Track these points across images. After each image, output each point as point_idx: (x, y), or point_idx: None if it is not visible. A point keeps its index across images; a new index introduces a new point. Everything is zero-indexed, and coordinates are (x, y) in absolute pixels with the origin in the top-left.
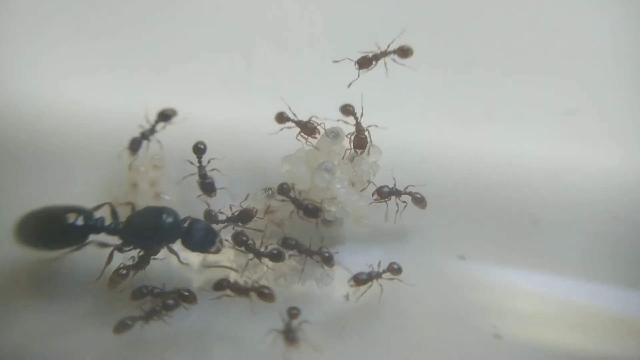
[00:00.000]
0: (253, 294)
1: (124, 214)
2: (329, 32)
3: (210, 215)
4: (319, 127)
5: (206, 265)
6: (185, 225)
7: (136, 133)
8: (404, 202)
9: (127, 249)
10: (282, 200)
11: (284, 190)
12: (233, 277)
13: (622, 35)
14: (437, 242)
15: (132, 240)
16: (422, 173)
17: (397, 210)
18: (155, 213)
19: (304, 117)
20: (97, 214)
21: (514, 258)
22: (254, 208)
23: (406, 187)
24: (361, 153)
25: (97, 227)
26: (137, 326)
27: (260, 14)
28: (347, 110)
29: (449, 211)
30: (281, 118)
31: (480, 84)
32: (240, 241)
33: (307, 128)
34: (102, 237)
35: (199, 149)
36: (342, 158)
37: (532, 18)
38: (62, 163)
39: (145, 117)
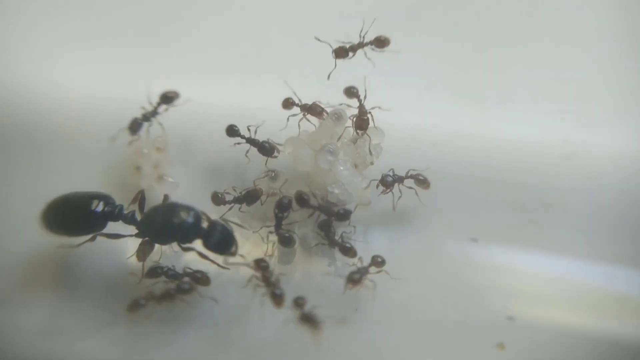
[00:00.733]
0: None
1: (130, 196)
2: (340, 14)
3: (217, 197)
4: (325, 110)
5: (226, 265)
6: (206, 227)
7: (138, 114)
8: (410, 187)
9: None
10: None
11: (304, 201)
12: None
13: (637, 19)
14: (449, 225)
15: (149, 234)
16: (434, 156)
17: (400, 197)
18: (177, 211)
19: (310, 101)
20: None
21: (526, 240)
22: (260, 188)
23: (408, 172)
24: (362, 134)
25: (115, 214)
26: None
27: None
28: (351, 92)
29: (461, 194)
30: (287, 104)
31: (494, 67)
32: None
33: (314, 110)
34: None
35: (233, 131)
36: (338, 139)
37: (547, 1)
38: (66, 146)
39: (147, 99)
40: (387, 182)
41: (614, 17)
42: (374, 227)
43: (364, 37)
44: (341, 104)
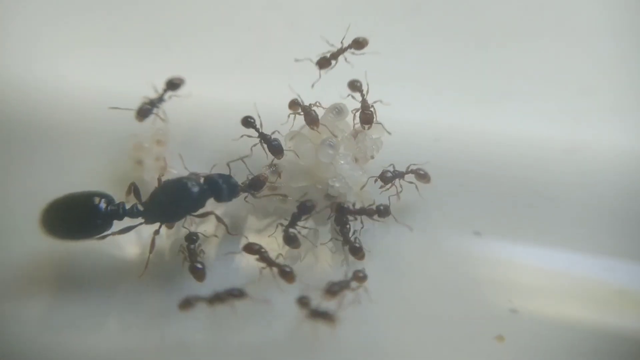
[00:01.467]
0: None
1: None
2: (342, 12)
3: None
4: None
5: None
6: (207, 186)
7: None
8: (410, 182)
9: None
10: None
11: (344, 210)
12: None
13: (637, 16)
14: (453, 219)
15: (160, 217)
16: (437, 151)
17: (401, 191)
18: (176, 185)
19: (314, 96)
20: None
21: (529, 234)
22: (265, 174)
23: (408, 167)
24: (368, 128)
25: (119, 212)
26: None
27: None
28: (354, 86)
29: (464, 188)
30: (293, 105)
31: (496, 62)
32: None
33: (310, 117)
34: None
35: (249, 122)
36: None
37: None
38: (66, 142)
39: (153, 88)
40: (387, 178)
41: (614, 14)
42: (377, 222)
43: (342, 42)
44: (348, 96)
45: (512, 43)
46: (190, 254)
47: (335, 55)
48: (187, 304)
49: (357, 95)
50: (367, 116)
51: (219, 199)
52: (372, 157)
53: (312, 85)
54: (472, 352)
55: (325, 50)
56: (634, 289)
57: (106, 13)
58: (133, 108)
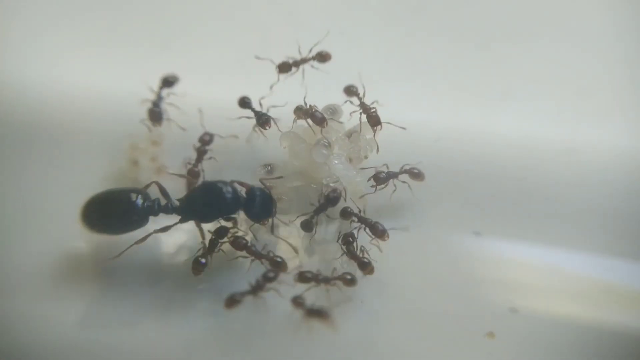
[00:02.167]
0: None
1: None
2: (344, 12)
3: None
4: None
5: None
6: (245, 196)
7: (143, 107)
8: (404, 181)
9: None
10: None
11: (347, 213)
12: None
13: (638, 15)
14: (453, 218)
15: (195, 216)
16: (436, 151)
17: (394, 190)
18: (216, 188)
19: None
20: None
21: (528, 234)
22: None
23: (402, 167)
24: (380, 129)
25: (155, 209)
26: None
27: None
28: (350, 90)
29: (464, 188)
30: (298, 111)
31: (496, 62)
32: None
33: (316, 118)
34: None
35: (245, 103)
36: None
37: None
38: (63, 141)
39: (149, 89)
40: (380, 179)
41: (615, 13)
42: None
43: (310, 51)
44: (345, 102)
45: (512, 43)
46: (210, 247)
47: (297, 63)
48: (233, 301)
49: (354, 99)
50: (374, 118)
51: (248, 214)
52: (366, 157)
53: (270, 87)
54: (472, 351)
55: (322, 50)
56: (635, 288)
57: (106, 13)
58: (133, 110)
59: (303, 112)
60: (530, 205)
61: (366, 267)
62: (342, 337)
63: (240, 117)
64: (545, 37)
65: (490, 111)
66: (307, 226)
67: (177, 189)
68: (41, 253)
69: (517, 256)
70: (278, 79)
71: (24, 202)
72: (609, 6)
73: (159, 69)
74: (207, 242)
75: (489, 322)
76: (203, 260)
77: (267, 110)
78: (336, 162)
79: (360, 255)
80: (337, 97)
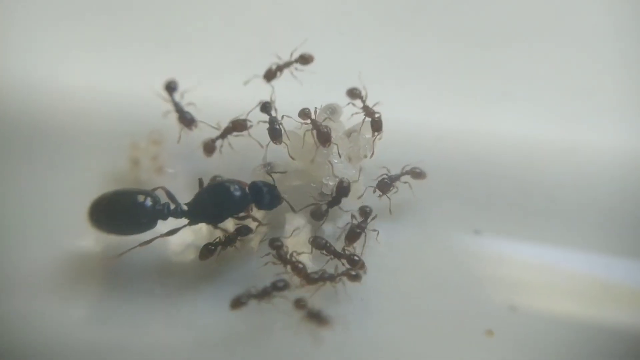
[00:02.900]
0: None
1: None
2: (344, 13)
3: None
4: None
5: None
6: (250, 192)
7: (146, 114)
8: (405, 182)
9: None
10: None
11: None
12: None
13: (638, 15)
14: (454, 217)
15: (204, 218)
16: (436, 151)
17: (396, 191)
18: (222, 188)
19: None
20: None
21: (528, 232)
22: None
23: (403, 168)
24: (380, 138)
25: (164, 212)
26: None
27: None
28: (353, 93)
29: (465, 188)
30: (303, 114)
31: (496, 62)
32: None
33: (322, 135)
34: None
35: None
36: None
37: None
38: (63, 141)
39: (160, 96)
40: (386, 185)
41: (614, 13)
42: (378, 220)
43: (291, 54)
44: (348, 104)
45: (512, 43)
46: (225, 241)
47: (280, 68)
48: (238, 303)
49: (358, 102)
50: (377, 123)
51: (260, 206)
52: (366, 156)
53: (271, 97)
54: (471, 348)
55: (323, 50)
56: (633, 286)
57: (106, 13)
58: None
59: (312, 122)
60: (530, 204)
61: (356, 264)
62: (342, 335)
63: (259, 122)
64: (545, 37)
65: (491, 111)
66: (317, 215)
67: (180, 191)
68: (42, 253)
69: (517, 255)
70: (272, 88)
71: (24, 202)
72: (608, 6)
73: (159, 70)
74: (223, 236)
75: (488, 320)
76: (212, 247)
77: (282, 118)
78: (336, 161)
79: (349, 253)
80: (338, 98)
